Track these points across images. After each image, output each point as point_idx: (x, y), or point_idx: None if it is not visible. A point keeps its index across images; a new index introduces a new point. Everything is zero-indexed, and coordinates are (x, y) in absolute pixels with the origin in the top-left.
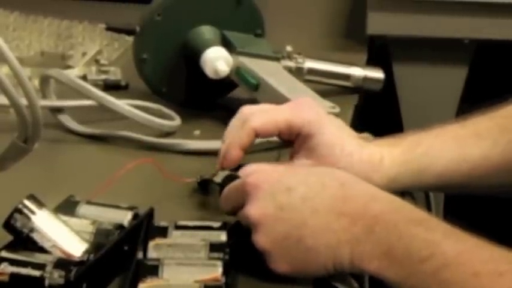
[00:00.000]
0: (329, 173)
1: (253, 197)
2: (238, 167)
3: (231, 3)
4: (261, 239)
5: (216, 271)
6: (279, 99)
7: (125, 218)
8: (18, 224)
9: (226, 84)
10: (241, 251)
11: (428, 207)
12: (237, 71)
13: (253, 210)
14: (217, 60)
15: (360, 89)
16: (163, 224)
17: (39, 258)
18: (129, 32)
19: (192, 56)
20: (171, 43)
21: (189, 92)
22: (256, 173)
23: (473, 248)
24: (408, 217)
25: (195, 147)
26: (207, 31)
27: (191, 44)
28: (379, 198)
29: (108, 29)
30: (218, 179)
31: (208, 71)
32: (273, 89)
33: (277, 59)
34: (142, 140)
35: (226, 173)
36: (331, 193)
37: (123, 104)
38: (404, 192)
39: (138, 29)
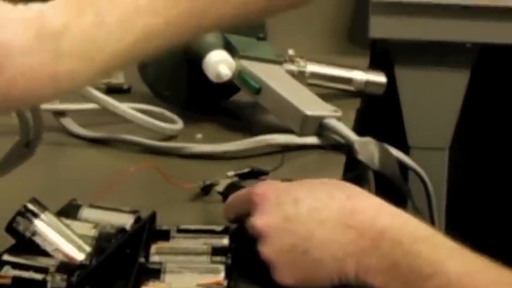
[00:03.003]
0: (337, 185)
1: (260, 207)
2: (242, 174)
3: None
4: (267, 250)
5: (218, 275)
6: (281, 103)
7: (127, 221)
8: (21, 228)
9: (228, 87)
10: (243, 255)
11: (431, 221)
12: (239, 74)
13: (260, 221)
14: (219, 63)
15: (362, 92)
16: (165, 227)
17: (41, 261)
18: None
19: (194, 59)
20: None
21: (191, 95)
22: (264, 184)
23: (478, 269)
24: (414, 233)
25: (197, 151)
26: (209, 34)
27: (193, 47)
28: (386, 212)
29: None
30: (220, 187)
31: (211, 75)
32: (275, 92)
33: (280, 63)
34: (144, 144)
35: (228, 181)
36: (338, 205)
37: (125, 108)
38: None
39: None
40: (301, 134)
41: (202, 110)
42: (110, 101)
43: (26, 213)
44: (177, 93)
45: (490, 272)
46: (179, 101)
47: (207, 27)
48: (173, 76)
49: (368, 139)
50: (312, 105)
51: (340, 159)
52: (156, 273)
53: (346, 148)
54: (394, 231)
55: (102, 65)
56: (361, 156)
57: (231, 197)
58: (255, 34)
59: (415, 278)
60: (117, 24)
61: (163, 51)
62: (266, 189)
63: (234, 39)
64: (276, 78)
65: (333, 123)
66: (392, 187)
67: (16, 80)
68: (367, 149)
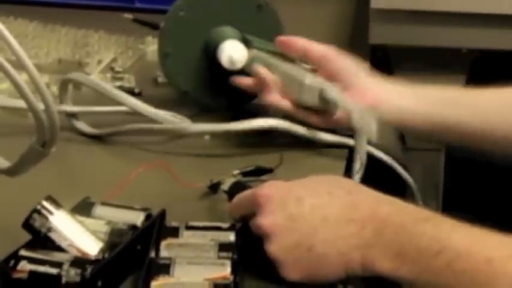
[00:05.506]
0: (336, 181)
1: (264, 208)
2: (247, 172)
3: (251, 8)
4: (273, 249)
5: (224, 270)
6: (286, 78)
7: (138, 218)
8: (37, 224)
9: (242, 93)
10: (249, 251)
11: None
12: (252, 63)
13: (265, 221)
14: (232, 50)
15: None
16: (174, 224)
17: (56, 256)
18: (154, 27)
19: (213, 56)
20: (193, 39)
21: (207, 92)
22: (267, 185)
23: (482, 237)
24: (415, 216)
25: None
26: (228, 30)
27: (212, 41)
28: (385, 202)
29: (135, 20)
30: (225, 186)
31: (224, 61)
32: (281, 71)
33: (292, 60)
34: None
35: (232, 180)
36: (339, 201)
37: (148, 107)
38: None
39: (162, 24)
40: (300, 103)
41: (216, 109)
42: (131, 99)
43: (41, 211)
44: (195, 86)
45: (493, 238)
46: (195, 95)
47: None
48: (192, 70)
49: (368, 108)
50: (313, 79)
51: (341, 158)
52: (165, 268)
53: (347, 147)
54: (395, 217)
55: None
56: (359, 124)
57: (236, 198)
58: (271, 37)
59: (424, 257)
60: None
61: None
62: (269, 190)
63: (249, 36)
64: (284, 63)
65: (333, 93)
66: (391, 176)
67: None
68: (366, 118)
